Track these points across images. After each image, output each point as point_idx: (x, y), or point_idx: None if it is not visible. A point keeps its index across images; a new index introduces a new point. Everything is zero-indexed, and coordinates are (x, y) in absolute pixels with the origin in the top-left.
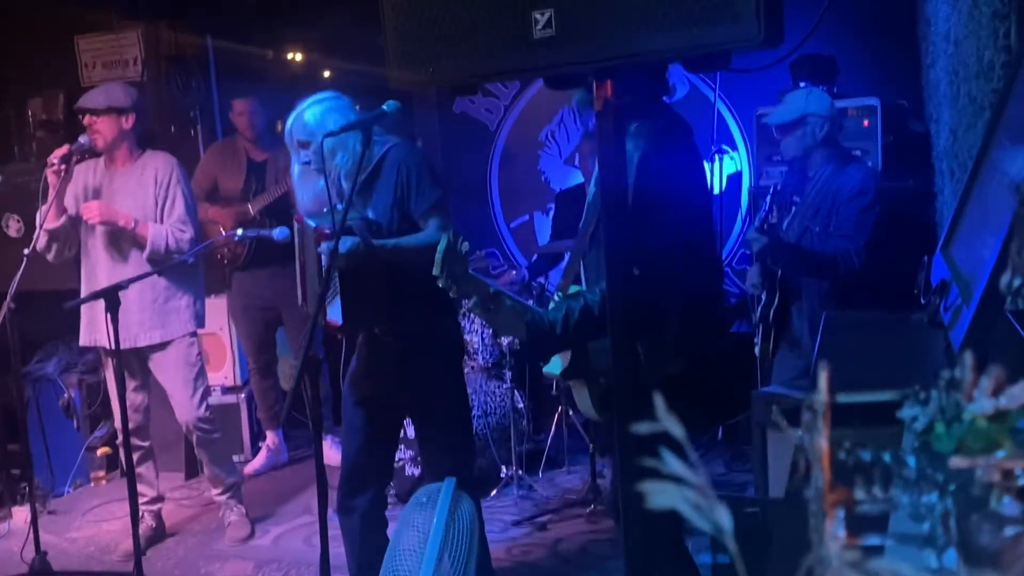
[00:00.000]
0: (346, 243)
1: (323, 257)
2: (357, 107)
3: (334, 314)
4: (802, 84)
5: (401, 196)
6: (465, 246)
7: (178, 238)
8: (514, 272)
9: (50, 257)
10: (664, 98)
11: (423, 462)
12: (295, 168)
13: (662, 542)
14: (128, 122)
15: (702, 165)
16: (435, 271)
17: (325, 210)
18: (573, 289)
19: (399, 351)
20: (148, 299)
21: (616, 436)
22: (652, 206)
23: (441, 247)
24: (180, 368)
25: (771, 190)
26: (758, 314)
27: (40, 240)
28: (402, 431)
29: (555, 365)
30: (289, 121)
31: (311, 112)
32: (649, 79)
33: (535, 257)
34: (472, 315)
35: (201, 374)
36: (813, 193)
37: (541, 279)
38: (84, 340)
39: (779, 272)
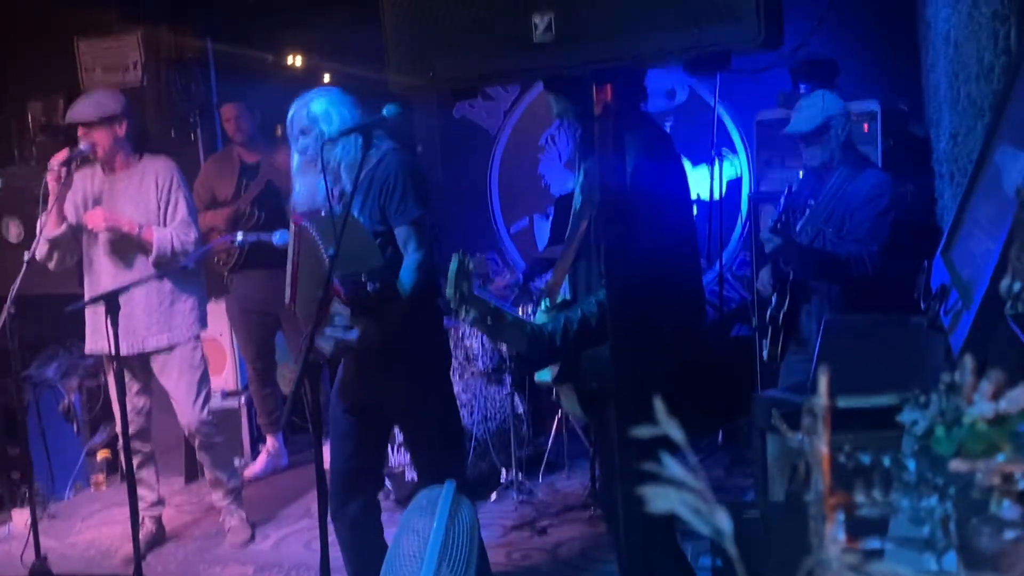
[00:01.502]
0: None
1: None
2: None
3: (326, 345)
4: (802, 88)
5: (383, 205)
6: (471, 264)
7: (183, 240)
8: (508, 275)
9: (51, 265)
10: (641, 106)
11: (415, 467)
12: (295, 159)
13: (656, 543)
14: (121, 129)
15: (685, 174)
16: (448, 292)
17: (323, 212)
18: (561, 297)
19: (385, 358)
20: (154, 303)
21: (616, 439)
22: (645, 216)
23: (453, 267)
24: (185, 372)
25: (786, 190)
26: (767, 316)
27: (40, 249)
28: (400, 435)
29: (545, 373)
30: (292, 109)
31: (317, 103)
32: (630, 87)
33: (532, 262)
34: None
35: (204, 378)
36: (828, 196)
37: (541, 284)
38: (90, 347)
39: (790, 275)
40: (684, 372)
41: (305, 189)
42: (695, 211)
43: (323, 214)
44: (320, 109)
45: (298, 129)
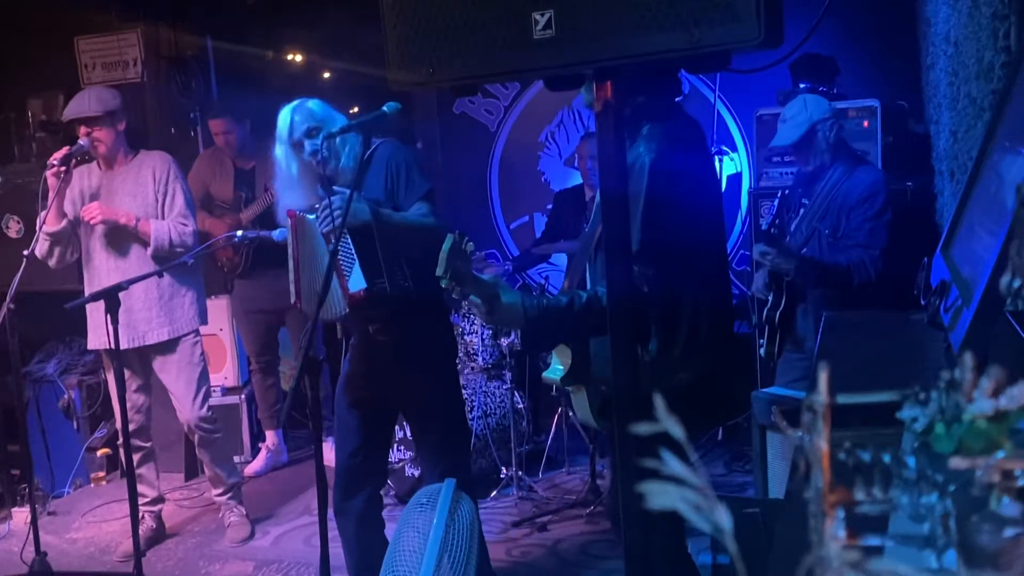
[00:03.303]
0: (359, 202)
1: (330, 227)
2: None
3: (356, 284)
4: (802, 85)
5: (391, 189)
6: (470, 246)
7: (180, 232)
8: (499, 264)
9: (52, 262)
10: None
11: (420, 463)
12: (293, 166)
13: (662, 545)
14: (122, 125)
15: (714, 168)
16: (439, 271)
17: (318, 207)
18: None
19: (393, 352)
20: (154, 296)
21: (616, 437)
22: (665, 209)
23: (446, 247)
24: (184, 368)
25: (779, 194)
26: (764, 315)
27: (41, 245)
28: (401, 432)
29: (555, 371)
30: (287, 117)
31: (314, 104)
32: (660, 80)
33: (523, 254)
34: (472, 316)
35: (204, 374)
36: (822, 195)
37: (542, 280)
38: (92, 344)
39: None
40: (705, 367)
41: (301, 197)
42: None
43: (317, 206)
44: (320, 110)
45: (301, 132)
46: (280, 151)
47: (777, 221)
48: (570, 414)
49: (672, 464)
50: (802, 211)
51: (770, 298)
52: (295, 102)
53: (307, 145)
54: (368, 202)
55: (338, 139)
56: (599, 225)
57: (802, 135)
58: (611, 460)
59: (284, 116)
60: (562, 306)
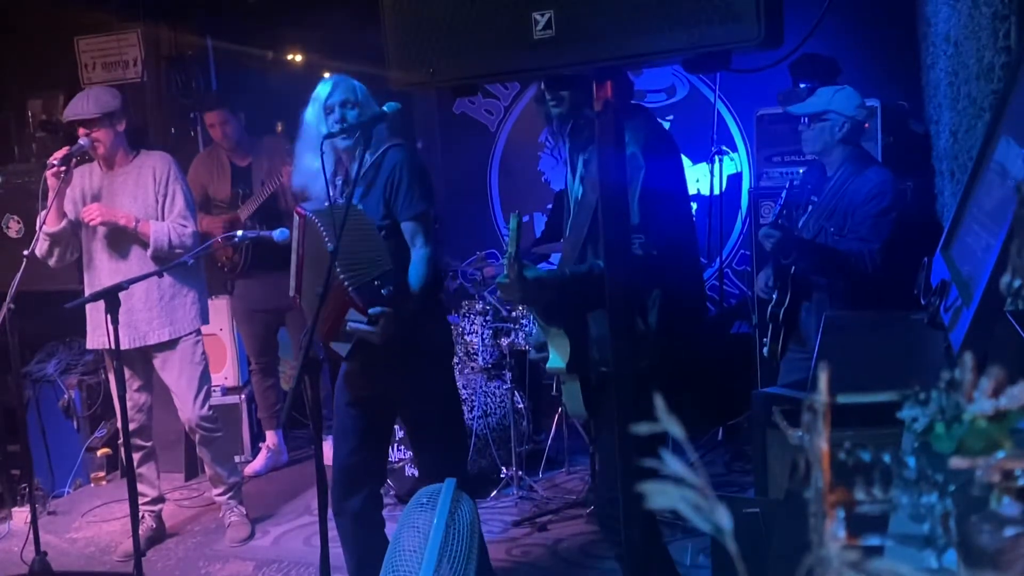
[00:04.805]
0: (382, 312)
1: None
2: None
3: (342, 349)
4: (802, 85)
5: (389, 199)
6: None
7: (180, 233)
8: (496, 263)
9: (52, 262)
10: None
11: (417, 463)
12: (323, 127)
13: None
14: (121, 125)
15: (683, 169)
16: (511, 250)
17: (326, 204)
18: None
19: (390, 352)
20: (155, 297)
21: (616, 433)
22: (662, 205)
23: (513, 226)
24: (185, 367)
25: (787, 185)
26: (768, 313)
27: (41, 245)
28: (400, 431)
29: (556, 360)
30: (329, 82)
31: (358, 85)
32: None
33: (524, 252)
34: (472, 316)
35: (205, 373)
36: (830, 193)
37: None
38: (91, 344)
39: (792, 271)
40: (675, 368)
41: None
42: (694, 207)
43: (326, 204)
44: (362, 92)
45: (337, 99)
46: (311, 111)
47: (785, 212)
48: (569, 413)
49: (671, 464)
50: (810, 208)
51: (775, 296)
52: (335, 76)
53: (336, 112)
54: (387, 301)
55: (356, 119)
56: (585, 225)
57: (813, 112)
58: (599, 457)
59: (326, 82)
60: (581, 273)
